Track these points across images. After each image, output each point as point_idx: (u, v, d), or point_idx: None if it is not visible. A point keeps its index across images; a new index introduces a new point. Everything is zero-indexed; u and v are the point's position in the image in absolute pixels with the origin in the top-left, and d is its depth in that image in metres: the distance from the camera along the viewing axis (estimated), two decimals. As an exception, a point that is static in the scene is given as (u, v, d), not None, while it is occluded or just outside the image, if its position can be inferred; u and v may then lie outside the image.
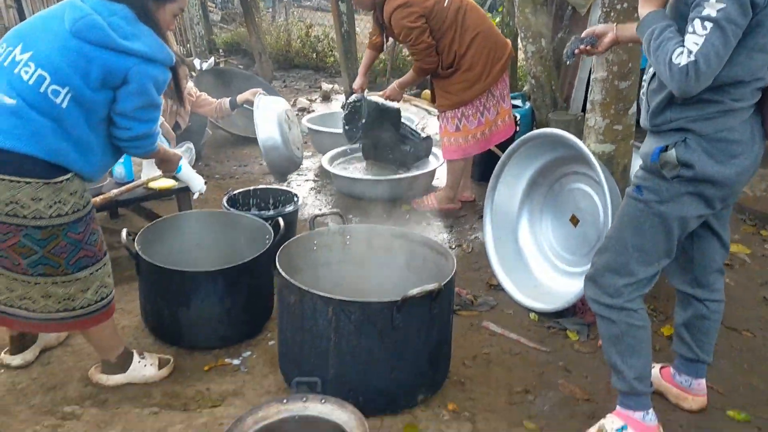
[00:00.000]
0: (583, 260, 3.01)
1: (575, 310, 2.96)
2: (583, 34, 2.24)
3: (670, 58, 1.73)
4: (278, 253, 2.46)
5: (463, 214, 4.20)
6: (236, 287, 2.68)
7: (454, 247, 3.74)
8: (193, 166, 3.57)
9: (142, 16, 2.13)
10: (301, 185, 4.79)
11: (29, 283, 2.19)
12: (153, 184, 3.25)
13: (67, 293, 2.23)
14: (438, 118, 4.06)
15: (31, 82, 2.01)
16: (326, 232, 2.78)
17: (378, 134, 4.24)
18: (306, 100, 7.39)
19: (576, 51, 2.24)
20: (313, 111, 6.94)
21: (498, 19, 5.87)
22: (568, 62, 2.30)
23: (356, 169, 4.66)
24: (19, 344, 2.61)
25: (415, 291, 2.15)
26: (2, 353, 2.64)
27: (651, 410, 2.17)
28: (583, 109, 4.82)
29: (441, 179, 4.73)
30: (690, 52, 1.70)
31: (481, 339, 2.86)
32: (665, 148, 1.91)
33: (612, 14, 2.71)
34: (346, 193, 4.48)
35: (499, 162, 3.27)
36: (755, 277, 3.36)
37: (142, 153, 2.35)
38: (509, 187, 3.30)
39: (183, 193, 3.37)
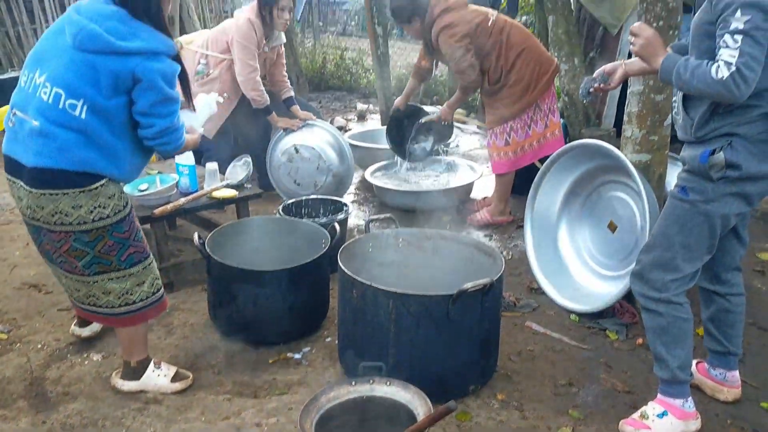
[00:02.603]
0: (621, 264, 3.18)
1: (614, 312, 3.12)
2: (595, 74, 2.45)
3: (711, 77, 1.89)
4: (340, 253, 2.67)
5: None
6: (298, 286, 2.89)
7: (494, 254, 3.92)
8: (249, 180, 3.82)
9: (138, 13, 2.20)
10: (343, 198, 5.01)
11: (89, 283, 2.41)
12: (216, 194, 3.49)
13: (125, 288, 2.42)
14: (488, 134, 4.24)
15: (50, 101, 2.16)
16: (380, 235, 2.99)
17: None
18: (343, 119, 7.65)
19: (591, 90, 2.45)
20: (350, 129, 7.19)
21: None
22: (584, 101, 2.48)
23: (396, 182, 4.88)
24: (82, 319, 2.90)
25: (469, 285, 2.35)
26: (72, 325, 2.96)
27: (690, 399, 2.33)
28: (615, 125, 5.00)
29: (479, 191, 4.94)
30: (729, 63, 1.86)
31: (525, 337, 3.03)
32: (713, 152, 2.07)
33: (647, 33, 2.90)
34: (388, 205, 4.70)
35: (540, 171, 3.47)
36: (786, 282, 3.50)
37: (172, 149, 2.39)
38: (548, 195, 3.49)
39: (242, 202, 3.61)
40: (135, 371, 2.60)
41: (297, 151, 4.50)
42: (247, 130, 4.65)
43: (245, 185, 3.73)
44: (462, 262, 2.89)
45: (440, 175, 5.01)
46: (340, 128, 7.31)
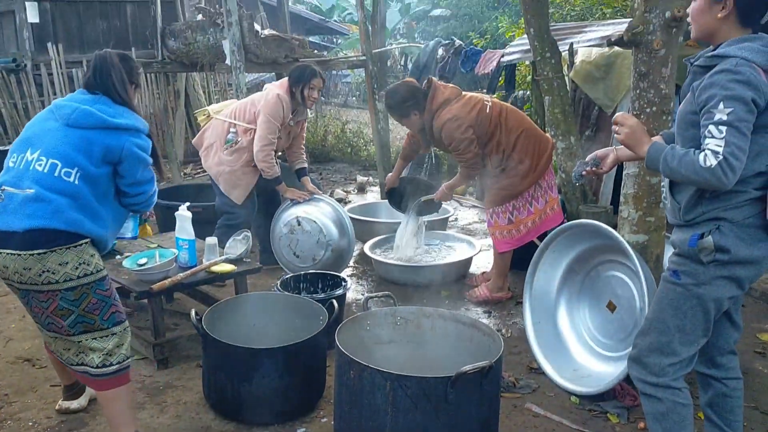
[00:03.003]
0: (621, 345, 3.15)
1: (614, 394, 3.07)
2: (587, 158, 2.51)
3: (699, 165, 1.94)
4: (337, 332, 2.65)
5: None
6: (294, 364, 2.86)
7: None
8: (248, 254, 3.83)
9: (117, 100, 2.56)
10: (342, 272, 5.01)
11: (75, 342, 2.52)
12: (214, 269, 3.49)
13: (106, 347, 2.51)
14: (488, 215, 4.28)
15: (46, 171, 2.40)
16: (378, 313, 2.97)
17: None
18: (342, 192, 7.73)
19: (583, 173, 2.51)
20: (350, 201, 7.27)
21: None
22: (577, 184, 2.54)
23: (395, 257, 4.89)
24: (71, 392, 2.96)
25: (468, 367, 2.32)
26: (60, 402, 2.98)
27: None
28: (612, 202, 5.06)
29: (477, 266, 4.94)
30: (716, 152, 1.92)
31: (524, 420, 2.97)
32: (701, 236, 2.09)
33: (642, 116, 2.97)
34: (386, 279, 4.70)
35: (538, 250, 3.48)
36: (789, 364, 3.46)
37: (148, 207, 2.73)
38: (547, 273, 3.49)
39: (240, 276, 3.61)
40: None
41: (299, 223, 4.53)
42: (266, 198, 4.85)
43: (244, 259, 3.74)
44: (461, 342, 2.87)
45: (439, 250, 5.03)
46: (340, 200, 7.38)
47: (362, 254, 5.09)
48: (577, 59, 5.55)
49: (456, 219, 6.31)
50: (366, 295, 3.17)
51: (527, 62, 6.78)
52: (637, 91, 2.99)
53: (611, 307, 3.22)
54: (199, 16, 6.89)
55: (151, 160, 2.62)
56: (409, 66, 22.99)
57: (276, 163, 4.52)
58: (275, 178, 4.55)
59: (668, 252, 3.21)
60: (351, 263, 5.19)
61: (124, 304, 3.50)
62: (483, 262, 5.08)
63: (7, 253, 2.35)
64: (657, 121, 2.96)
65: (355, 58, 7.95)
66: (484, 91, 6.90)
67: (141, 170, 2.57)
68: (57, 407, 2.98)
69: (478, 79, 8.38)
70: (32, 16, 8.29)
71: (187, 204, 3.66)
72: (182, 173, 8.31)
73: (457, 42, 7.92)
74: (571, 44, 5.62)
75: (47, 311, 2.45)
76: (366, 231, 5.34)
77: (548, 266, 3.49)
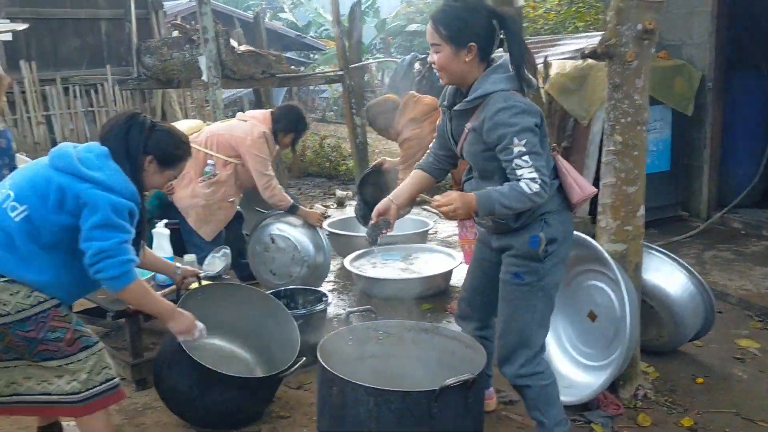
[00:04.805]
0: (602, 354, 3.17)
1: (598, 404, 3.08)
2: (375, 220, 2.58)
3: (526, 193, 2.22)
4: (319, 348, 2.62)
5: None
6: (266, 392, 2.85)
7: (475, 344, 3.89)
8: (226, 272, 3.79)
9: (120, 158, 2.36)
10: (322, 286, 4.98)
11: (8, 368, 2.38)
12: (192, 286, 3.44)
13: (43, 376, 2.37)
14: (457, 226, 4.31)
15: None
16: (360, 327, 2.95)
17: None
18: (322, 206, 7.70)
19: (379, 237, 2.63)
20: (329, 216, 7.24)
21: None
22: (374, 248, 2.68)
23: (376, 271, 4.87)
24: None
25: (451, 381, 2.30)
26: None
27: None
28: (589, 213, 5.10)
29: (458, 278, 4.94)
30: (533, 179, 2.21)
31: (508, 431, 2.96)
32: (538, 234, 2.38)
33: (617, 127, 3.01)
34: (367, 293, 4.68)
35: (518, 261, 3.49)
36: (766, 369, 3.49)
37: (109, 277, 2.29)
38: (528, 285, 3.50)
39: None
40: None
41: (273, 241, 4.49)
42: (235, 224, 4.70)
43: (223, 276, 3.70)
44: (444, 355, 2.85)
45: (413, 263, 5.01)
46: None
47: (343, 268, 5.07)
48: (552, 72, 5.62)
49: (436, 232, 6.31)
50: (347, 309, 3.14)
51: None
52: (612, 102, 3.03)
53: (592, 316, 3.23)
54: (175, 33, 6.86)
55: (115, 219, 2.26)
56: (386, 80, 23.14)
57: (282, 191, 4.41)
58: (291, 207, 4.43)
59: (647, 260, 3.26)
60: (332, 278, 5.16)
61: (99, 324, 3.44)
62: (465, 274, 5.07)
63: None
64: (632, 131, 2.99)
65: (332, 73, 7.97)
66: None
67: (94, 221, 2.23)
68: None
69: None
70: (4, 35, 8.20)
71: (165, 221, 3.62)
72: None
73: (434, 56, 7.97)
74: (546, 57, 5.70)
75: None
76: (346, 245, 5.32)
77: (529, 277, 3.49)
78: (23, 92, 8.39)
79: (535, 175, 2.22)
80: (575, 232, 3.16)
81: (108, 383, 2.43)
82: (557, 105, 5.62)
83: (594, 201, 3.01)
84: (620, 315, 3.00)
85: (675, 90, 5.60)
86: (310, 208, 7.28)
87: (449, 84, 2.46)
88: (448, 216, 2.32)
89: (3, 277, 2.24)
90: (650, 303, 3.37)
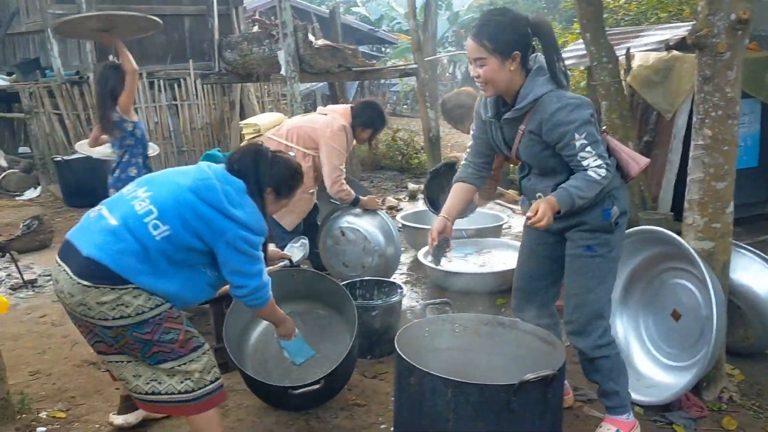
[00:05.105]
0: (685, 354, 3.08)
1: (680, 405, 2.99)
2: (435, 240, 2.71)
3: (596, 180, 2.39)
4: (397, 338, 2.65)
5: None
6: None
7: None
8: (303, 261, 3.88)
9: (253, 193, 2.47)
10: (396, 278, 5.02)
11: (122, 363, 2.45)
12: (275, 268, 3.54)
13: (154, 375, 2.42)
14: None
15: (139, 212, 2.34)
16: (436, 320, 2.97)
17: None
18: (394, 199, 7.76)
19: (443, 256, 2.78)
20: (401, 209, 7.28)
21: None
22: (437, 267, 2.84)
23: (450, 264, 4.87)
24: (123, 406, 2.92)
25: (531, 375, 2.29)
26: (111, 414, 2.98)
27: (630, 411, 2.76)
28: (672, 209, 4.94)
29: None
30: (600, 165, 2.39)
31: (588, 430, 2.92)
32: (610, 208, 2.54)
33: (707, 121, 2.91)
34: (441, 286, 4.69)
35: (598, 258, 3.43)
36: None
37: (259, 304, 2.56)
38: (607, 281, 3.43)
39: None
40: None
41: (343, 233, 4.56)
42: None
43: (300, 266, 3.78)
44: (521, 350, 2.83)
45: (487, 257, 4.99)
46: (392, 208, 7.41)
47: (416, 261, 5.09)
48: (635, 64, 5.45)
49: (510, 227, 6.26)
50: (424, 301, 3.16)
51: (581, 68, 6.69)
52: (702, 95, 2.92)
53: (676, 315, 3.14)
54: (255, 28, 7.03)
55: (254, 252, 2.46)
56: (457, 74, 23.00)
57: (349, 188, 4.49)
58: (353, 201, 4.52)
59: (735, 259, 3.14)
60: (404, 270, 5.20)
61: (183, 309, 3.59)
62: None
63: (64, 269, 2.33)
64: (723, 125, 2.88)
65: (407, 67, 7.98)
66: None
67: (242, 260, 2.43)
68: (108, 419, 2.98)
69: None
70: (95, 30, 8.58)
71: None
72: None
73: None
74: (628, 49, 5.53)
75: (89, 337, 2.46)
76: (420, 238, 5.34)
77: (609, 274, 3.43)
78: (111, 86, 8.76)
79: (599, 161, 2.39)
80: (660, 229, 3.12)
81: (217, 382, 2.49)
82: (639, 98, 5.45)
83: (677, 198, 2.95)
84: (706, 315, 2.91)
85: (766, 82, 5.34)
86: (383, 202, 7.38)
87: (494, 95, 2.56)
88: (543, 227, 2.40)
89: (131, 284, 2.31)
90: (737, 303, 3.25)
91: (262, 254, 2.50)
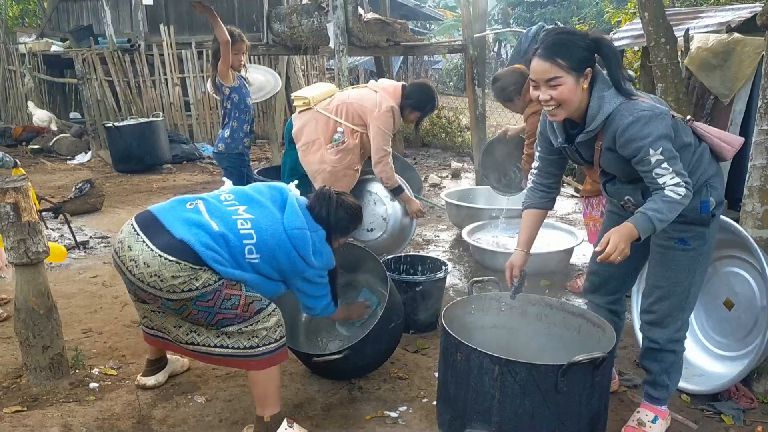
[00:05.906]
0: (737, 344, 3.01)
1: (729, 395, 2.94)
2: (517, 277, 2.73)
3: (676, 200, 2.24)
4: (443, 314, 2.66)
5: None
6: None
7: (595, 324, 3.80)
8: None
9: (330, 239, 2.75)
10: (438, 255, 5.01)
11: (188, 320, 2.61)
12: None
13: (222, 331, 2.59)
14: (583, 204, 4.21)
15: (241, 232, 2.52)
16: (483, 297, 2.96)
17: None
18: (437, 177, 7.73)
19: (521, 290, 2.77)
20: (444, 187, 7.25)
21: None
22: (515, 298, 2.79)
23: (493, 243, 4.85)
24: (152, 367, 3.06)
25: (580, 357, 2.27)
26: (138, 377, 3.07)
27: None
28: (726, 197, 4.80)
29: (579, 257, 4.83)
30: (677, 184, 2.23)
31: (631, 414, 2.88)
32: (708, 199, 2.43)
33: (773, 106, 2.81)
34: (484, 265, 4.67)
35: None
36: None
37: (328, 314, 2.91)
38: (658, 267, 3.36)
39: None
40: (268, 427, 2.62)
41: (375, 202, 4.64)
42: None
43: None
44: (568, 332, 2.81)
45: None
46: (434, 185, 7.39)
47: (458, 239, 5.07)
48: (693, 46, 5.29)
49: (555, 209, 6.18)
50: (471, 279, 3.15)
51: (636, 48, 6.52)
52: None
53: (728, 304, 3.07)
54: (305, 0, 7.01)
55: (326, 281, 2.79)
56: (503, 52, 22.70)
57: (393, 170, 4.43)
58: (396, 188, 4.47)
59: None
60: (446, 248, 5.19)
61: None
62: (586, 253, 4.96)
63: (142, 241, 2.48)
64: (791, 111, 2.78)
65: (455, 43, 7.88)
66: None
67: (313, 289, 2.75)
68: (135, 382, 3.07)
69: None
70: (147, 0, 8.68)
71: (295, 182, 3.75)
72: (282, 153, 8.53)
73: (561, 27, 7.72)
74: (687, 30, 5.36)
75: (154, 306, 2.66)
76: (464, 216, 5.32)
77: (659, 259, 3.36)
78: (161, 55, 8.87)
79: (677, 179, 2.24)
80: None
81: (281, 341, 2.63)
82: (696, 81, 5.29)
83: (732, 186, 2.87)
84: (761, 305, 2.84)
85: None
86: (425, 180, 7.36)
87: (566, 118, 2.40)
88: (617, 261, 2.29)
89: (205, 266, 2.46)
90: (794, 295, 3.15)
91: (327, 281, 2.79)
